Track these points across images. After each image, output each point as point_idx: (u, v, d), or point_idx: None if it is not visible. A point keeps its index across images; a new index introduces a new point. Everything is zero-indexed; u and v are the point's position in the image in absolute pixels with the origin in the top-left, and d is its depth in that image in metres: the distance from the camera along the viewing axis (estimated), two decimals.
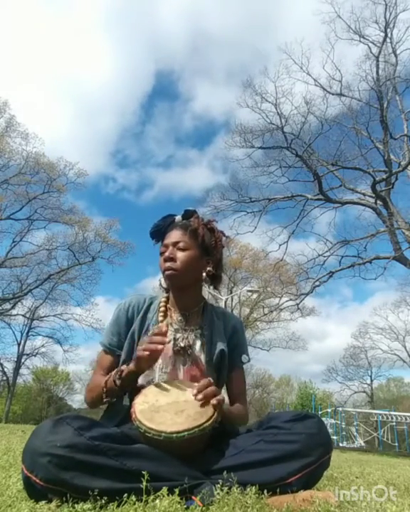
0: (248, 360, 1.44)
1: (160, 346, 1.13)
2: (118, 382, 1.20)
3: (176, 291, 1.42)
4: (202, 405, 1.08)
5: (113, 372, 1.24)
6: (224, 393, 1.42)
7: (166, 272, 1.34)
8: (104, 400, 1.24)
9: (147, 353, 1.13)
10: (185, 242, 1.37)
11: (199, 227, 1.39)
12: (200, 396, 1.09)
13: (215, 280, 1.46)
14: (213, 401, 1.09)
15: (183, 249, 1.36)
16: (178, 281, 1.36)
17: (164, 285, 1.44)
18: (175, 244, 1.37)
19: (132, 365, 1.19)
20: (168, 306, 1.43)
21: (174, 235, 1.38)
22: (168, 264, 1.34)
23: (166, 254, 1.35)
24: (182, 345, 1.33)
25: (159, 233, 1.44)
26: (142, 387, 1.23)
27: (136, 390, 1.20)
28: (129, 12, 32.11)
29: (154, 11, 33.47)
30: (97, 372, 1.35)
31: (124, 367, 1.22)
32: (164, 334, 1.17)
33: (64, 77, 34.23)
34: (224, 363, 1.36)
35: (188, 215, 1.44)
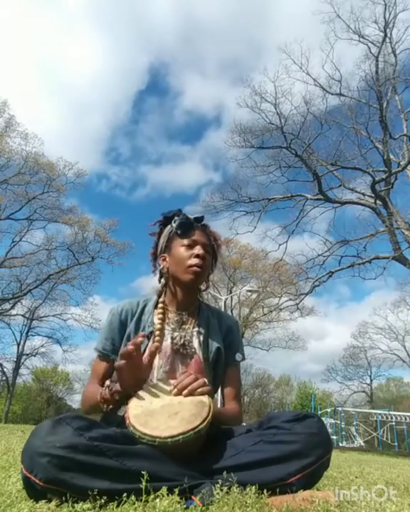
0: (243, 359, 1.45)
1: (130, 347, 1.09)
2: (106, 404, 1.17)
3: (184, 289, 1.42)
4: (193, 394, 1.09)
5: (105, 388, 1.19)
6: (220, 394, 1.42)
7: (196, 269, 1.35)
8: (104, 410, 1.22)
9: (123, 361, 1.10)
10: (210, 247, 1.43)
11: (218, 241, 1.48)
12: (185, 392, 1.09)
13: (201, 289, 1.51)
14: (201, 390, 1.10)
15: (209, 254, 1.41)
16: (200, 280, 1.39)
17: (164, 280, 1.44)
18: (204, 245, 1.40)
19: (117, 386, 1.16)
20: (164, 306, 1.43)
21: (203, 237, 1.42)
22: (200, 262, 1.36)
23: (202, 252, 1.37)
24: (180, 343, 1.33)
25: (186, 226, 1.42)
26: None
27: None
28: (120, 4, 31.78)
29: (146, 3, 33.19)
30: (92, 381, 1.34)
31: (110, 384, 1.18)
32: (140, 342, 1.12)
33: (55, 74, 34.10)
34: (220, 361, 1.37)
35: (199, 219, 1.46)
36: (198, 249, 1.37)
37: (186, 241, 1.39)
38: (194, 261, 1.35)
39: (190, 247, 1.38)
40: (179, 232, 1.41)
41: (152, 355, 1.19)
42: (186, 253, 1.37)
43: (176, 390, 1.11)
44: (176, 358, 1.32)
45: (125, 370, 1.12)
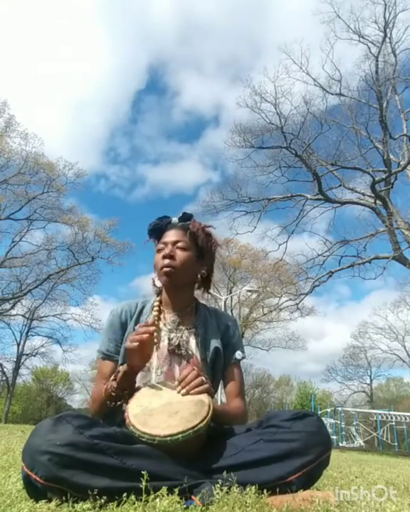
0: (243, 357, 1.44)
1: (145, 335, 1.13)
2: (114, 384, 1.20)
3: (170, 290, 1.43)
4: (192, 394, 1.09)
5: (111, 378, 1.23)
6: (221, 393, 1.42)
7: (165, 269, 1.35)
8: (109, 405, 1.23)
9: (136, 343, 1.13)
10: (185, 242, 1.39)
11: (198, 230, 1.42)
12: (183, 391, 1.10)
13: (206, 284, 1.50)
14: (199, 388, 1.11)
15: (182, 249, 1.38)
16: (175, 279, 1.37)
17: (158, 284, 1.46)
18: (175, 243, 1.39)
19: (124, 366, 1.19)
20: (161, 307, 1.44)
21: (174, 235, 1.41)
22: (167, 261, 1.35)
23: (167, 251, 1.36)
24: (177, 344, 1.33)
25: (158, 231, 1.45)
26: (139, 388, 1.23)
27: (134, 392, 1.20)
28: (119, 3, 31.60)
29: (145, 2, 33.00)
30: (99, 382, 1.33)
31: (119, 368, 1.22)
32: (151, 325, 1.17)
33: (54, 74, 33.94)
34: (219, 361, 1.37)
35: (185, 217, 1.45)
36: (165, 250, 1.37)
37: (159, 245, 1.41)
38: (162, 262, 1.36)
39: (161, 250, 1.39)
40: (152, 239, 1.46)
41: (151, 326, 1.19)
42: (158, 256, 1.39)
43: (179, 384, 1.12)
44: (173, 359, 1.32)
45: (136, 351, 1.15)
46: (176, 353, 1.33)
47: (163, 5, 32.26)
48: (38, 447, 0.91)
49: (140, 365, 1.21)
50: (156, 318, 1.38)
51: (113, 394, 1.20)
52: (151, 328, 1.15)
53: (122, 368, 1.20)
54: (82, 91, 36.16)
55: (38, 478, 0.90)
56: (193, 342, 1.36)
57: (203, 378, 1.14)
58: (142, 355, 1.18)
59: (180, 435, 0.98)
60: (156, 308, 1.41)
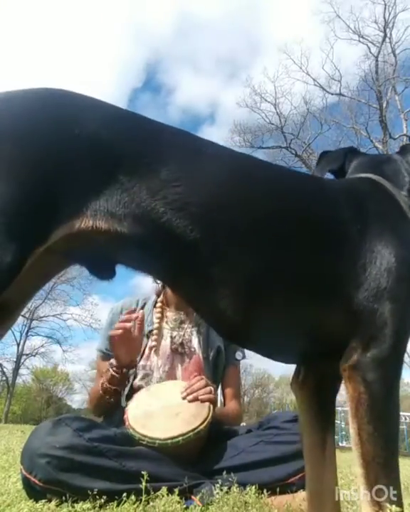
0: (243, 357, 1.44)
1: (128, 324, 1.14)
2: (106, 384, 1.21)
3: None
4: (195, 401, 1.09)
5: (102, 380, 1.25)
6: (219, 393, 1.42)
7: None
8: (106, 400, 1.24)
9: (119, 331, 1.14)
10: None
11: None
12: (190, 397, 1.10)
13: None
14: (203, 397, 1.10)
15: None
16: None
17: (159, 282, 1.45)
18: None
19: (112, 363, 1.20)
20: (163, 305, 1.43)
21: None
22: None
23: None
24: (180, 342, 1.33)
25: None
26: (140, 387, 1.23)
27: (133, 391, 1.20)
28: (117, 2, 31.47)
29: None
30: (99, 380, 1.34)
31: (108, 366, 1.23)
32: (135, 312, 1.18)
33: (52, 73, 33.80)
34: (221, 360, 1.37)
35: None
36: None
37: None
38: None
39: None
40: None
41: (141, 323, 1.22)
42: None
43: (185, 392, 1.11)
44: (175, 358, 1.32)
45: (121, 342, 1.17)
46: (179, 351, 1.33)
47: (160, 2, 32.05)
48: (37, 450, 0.91)
49: (126, 358, 1.21)
50: (158, 319, 1.38)
51: (106, 395, 1.22)
52: (135, 315, 1.16)
53: (108, 367, 1.21)
54: (79, 90, 35.78)
55: (36, 481, 0.90)
56: (195, 340, 1.36)
57: (211, 388, 1.15)
58: (127, 347, 1.18)
59: (180, 437, 0.98)
60: (158, 308, 1.40)
